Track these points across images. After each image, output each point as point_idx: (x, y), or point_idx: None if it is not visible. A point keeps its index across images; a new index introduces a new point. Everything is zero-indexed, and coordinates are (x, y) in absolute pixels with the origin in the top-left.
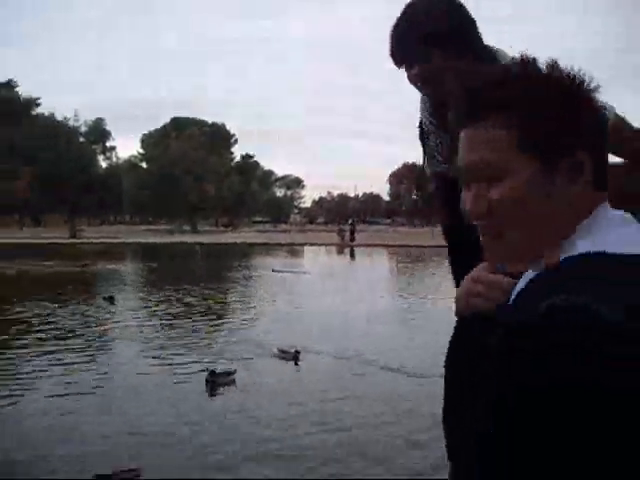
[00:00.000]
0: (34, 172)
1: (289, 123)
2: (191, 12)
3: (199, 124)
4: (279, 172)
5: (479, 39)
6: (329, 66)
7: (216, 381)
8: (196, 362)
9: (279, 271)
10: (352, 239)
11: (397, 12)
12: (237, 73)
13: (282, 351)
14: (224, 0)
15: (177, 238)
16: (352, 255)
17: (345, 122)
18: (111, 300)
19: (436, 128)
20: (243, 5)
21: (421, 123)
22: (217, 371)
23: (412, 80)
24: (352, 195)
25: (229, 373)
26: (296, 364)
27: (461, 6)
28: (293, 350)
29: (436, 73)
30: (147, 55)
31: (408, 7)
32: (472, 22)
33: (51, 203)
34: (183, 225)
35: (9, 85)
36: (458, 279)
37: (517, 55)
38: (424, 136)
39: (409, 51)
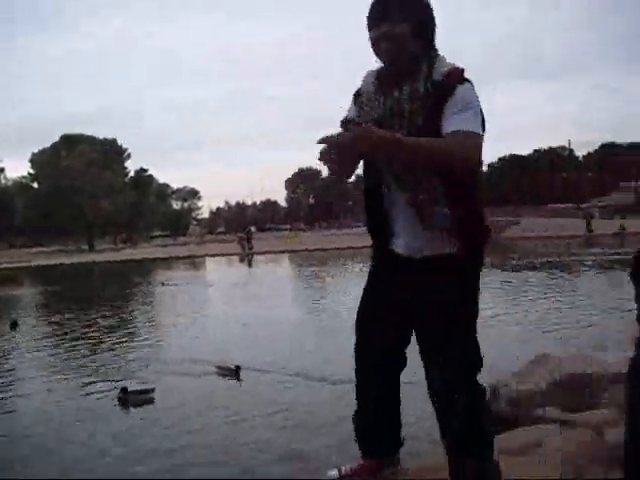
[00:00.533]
0: None
1: (183, 135)
2: (76, 26)
3: (90, 140)
4: (174, 185)
5: (433, 37)
6: (222, 70)
7: (128, 399)
8: (109, 383)
9: (169, 284)
10: (250, 247)
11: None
12: (125, 86)
13: (221, 367)
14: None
15: (75, 259)
16: (250, 263)
17: (239, 129)
18: (14, 326)
19: (376, 88)
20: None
21: (359, 90)
22: (130, 389)
23: (378, 36)
24: (250, 203)
25: (146, 391)
26: (238, 380)
27: (431, 8)
28: (233, 366)
29: (398, 36)
30: (28, 72)
31: None
32: (434, 25)
33: None
34: (80, 244)
35: None
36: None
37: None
38: (358, 96)
39: (383, 14)
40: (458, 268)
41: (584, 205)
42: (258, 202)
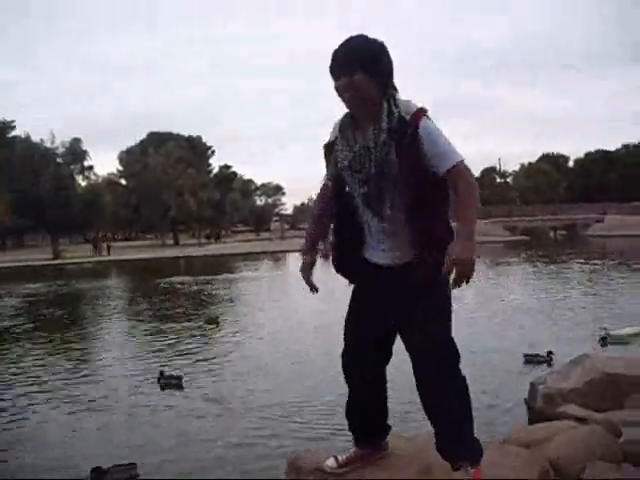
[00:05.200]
0: (13, 195)
1: (267, 131)
2: (159, 25)
3: (176, 138)
4: (259, 181)
5: (390, 77)
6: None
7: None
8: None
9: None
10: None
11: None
12: (212, 83)
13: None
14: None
15: (161, 253)
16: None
17: (322, 125)
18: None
19: (344, 134)
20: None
21: (329, 142)
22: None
23: (335, 88)
24: None
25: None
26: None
27: (385, 51)
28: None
29: (355, 84)
30: (116, 71)
31: (349, 39)
32: (390, 67)
33: (32, 225)
34: (165, 240)
35: None
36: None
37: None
38: (330, 150)
39: (340, 68)
40: (429, 272)
41: None
42: None
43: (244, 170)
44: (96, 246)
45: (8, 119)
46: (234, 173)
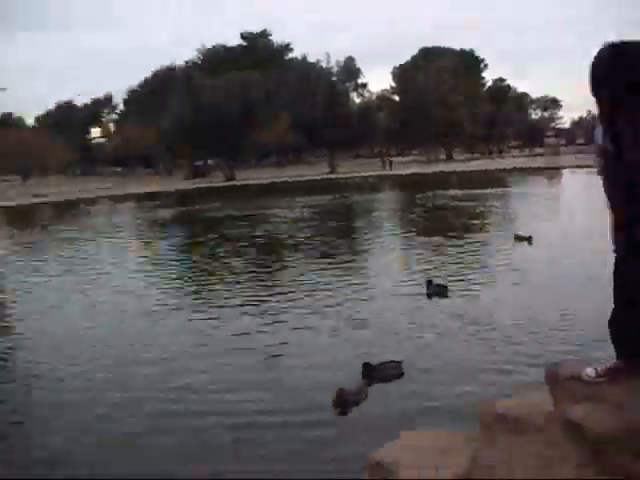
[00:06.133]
0: (292, 114)
1: (543, 41)
2: None
3: (448, 53)
4: (534, 94)
5: None
6: None
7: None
8: None
9: None
10: None
11: None
12: None
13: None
14: None
15: (434, 167)
16: None
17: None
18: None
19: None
20: None
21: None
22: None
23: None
24: None
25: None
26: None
27: None
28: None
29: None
30: None
31: (619, 53)
32: None
33: (309, 142)
34: (437, 155)
35: (264, 34)
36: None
37: None
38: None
39: (600, 84)
40: None
41: None
42: None
43: (518, 84)
44: (383, 161)
45: (286, 42)
46: (508, 86)
